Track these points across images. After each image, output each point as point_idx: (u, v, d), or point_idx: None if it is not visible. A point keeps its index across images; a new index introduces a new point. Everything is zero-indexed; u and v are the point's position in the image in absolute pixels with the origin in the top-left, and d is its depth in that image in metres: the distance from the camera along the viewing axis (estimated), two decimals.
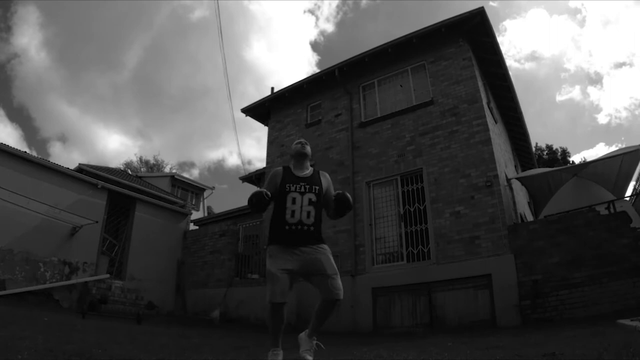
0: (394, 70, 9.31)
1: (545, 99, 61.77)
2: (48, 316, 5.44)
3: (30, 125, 53.55)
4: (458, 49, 8.44)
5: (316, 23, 73.02)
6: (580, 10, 69.09)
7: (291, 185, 2.59)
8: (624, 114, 52.30)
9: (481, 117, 7.71)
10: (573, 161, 23.00)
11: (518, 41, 66.13)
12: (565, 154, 24.04)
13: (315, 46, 75.93)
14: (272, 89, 11.45)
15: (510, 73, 9.45)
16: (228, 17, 63.55)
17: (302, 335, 2.60)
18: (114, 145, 53.60)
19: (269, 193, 2.48)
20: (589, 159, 18.46)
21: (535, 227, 6.71)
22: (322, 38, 73.97)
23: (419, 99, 8.69)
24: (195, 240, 11.50)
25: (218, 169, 57.69)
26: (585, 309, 5.64)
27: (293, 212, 2.52)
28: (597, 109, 56.97)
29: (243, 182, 13.30)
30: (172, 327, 6.81)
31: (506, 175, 8.28)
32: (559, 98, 60.48)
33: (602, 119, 54.58)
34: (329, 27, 73.16)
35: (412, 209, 7.92)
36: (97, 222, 9.57)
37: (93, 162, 27.83)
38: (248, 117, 11.69)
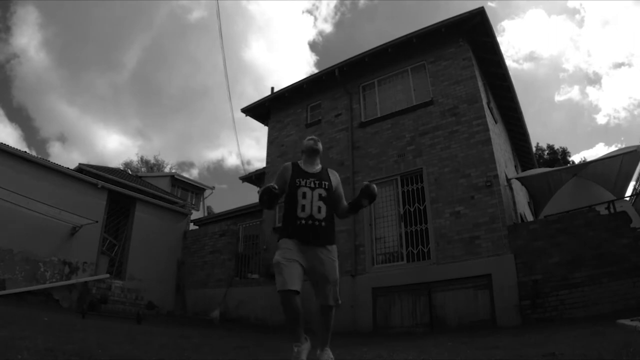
0: (394, 70, 9.30)
1: (544, 99, 61.85)
2: (48, 316, 5.42)
3: (29, 125, 53.65)
4: (458, 49, 8.44)
5: (314, 23, 73.16)
6: (579, 10, 69.21)
7: (301, 180, 2.59)
8: (622, 114, 52.38)
9: (481, 117, 7.71)
10: (573, 161, 23.02)
11: (517, 41, 66.27)
12: (565, 153, 24.08)
13: (313, 46, 76.10)
14: (272, 88, 11.47)
15: (509, 73, 9.47)
16: (227, 17, 63.66)
17: (318, 352, 2.49)
18: (114, 145, 53.67)
19: (276, 186, 2.46)
20: (588, 159, 18.49)
21: (535, 227, 6.71)
22: (320, 38, 74.13)
23: (419, 99, 8.68)
24: (195, 240, 11.50)
25: (217, 169, 57.77)
26: (585, 309, 5.64)
27: (304, 206, 2.52)
28: (596, 109, 57.06)
29: (243, 182, 13.31)
30: (172, 327, 6.80)
31: (506, 175, 8.28)
32: (557, 98, 60.56)
33: (601, 119, 54.67)
34: (327, 28, 73.33)
35: (412, 209, 7.92)
36: (97, 222, 9.56)
37: (93, 162, 27.80)
38: (247, 117, 11.73)
